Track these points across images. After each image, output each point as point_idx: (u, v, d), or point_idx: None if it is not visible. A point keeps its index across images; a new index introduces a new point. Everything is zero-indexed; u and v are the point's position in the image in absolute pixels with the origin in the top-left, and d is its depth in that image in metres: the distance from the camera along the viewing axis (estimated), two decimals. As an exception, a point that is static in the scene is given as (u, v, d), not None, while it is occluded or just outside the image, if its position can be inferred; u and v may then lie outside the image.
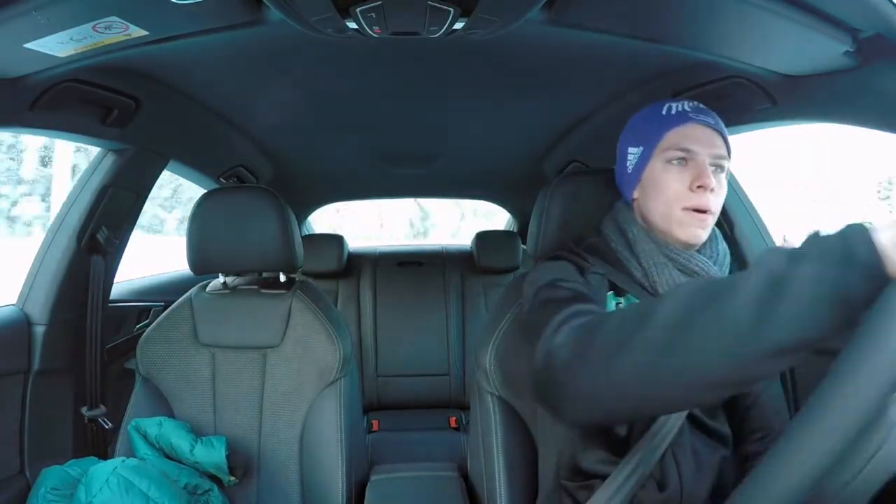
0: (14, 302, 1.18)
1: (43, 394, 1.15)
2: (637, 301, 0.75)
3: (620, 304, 0.76)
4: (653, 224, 0.77)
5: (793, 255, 0.44)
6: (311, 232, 2.62)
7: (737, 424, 0.79)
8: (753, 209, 1.25)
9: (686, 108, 0.76)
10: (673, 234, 0.75)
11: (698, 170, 0.73)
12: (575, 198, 0.93)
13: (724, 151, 0.76)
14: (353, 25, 0.76)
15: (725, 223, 1.24)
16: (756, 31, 0.75)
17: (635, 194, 0.81)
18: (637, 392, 0.50)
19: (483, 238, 2.18)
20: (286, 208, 1.11)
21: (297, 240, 1.13)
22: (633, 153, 0.80)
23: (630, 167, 0.81)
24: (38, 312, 1.16)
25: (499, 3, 0.72)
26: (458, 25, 0.78)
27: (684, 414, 0.71)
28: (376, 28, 0.77)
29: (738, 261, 1.22)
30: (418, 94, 1.25)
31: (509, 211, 2.60)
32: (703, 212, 0.73)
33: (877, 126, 0.80)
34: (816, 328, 0.41)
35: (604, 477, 0.72)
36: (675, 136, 0.75)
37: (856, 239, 0.41)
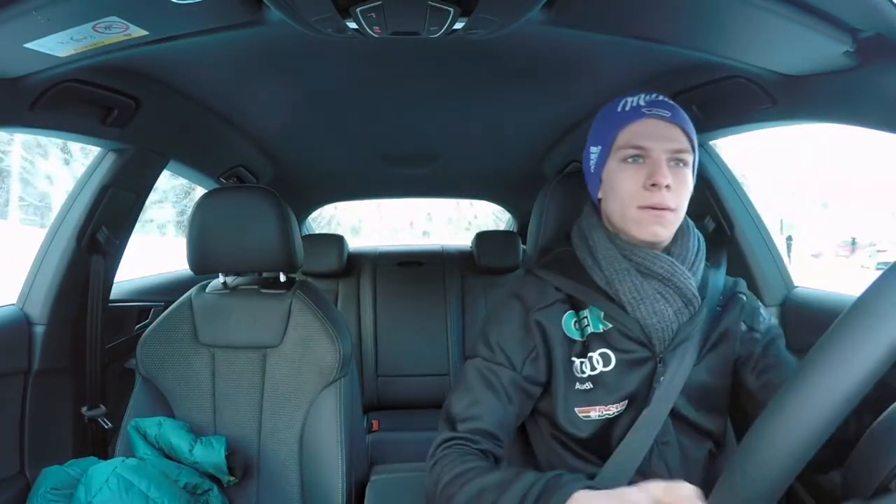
0: (14, 302, 1.19)
1: (43, 394, 1.15)
2: (599, 311, 0.75)
3: (584, 319, 0.75)
4: (615, 225, 0.76)
5: (520, 497, 0.57)
6: (311, 232, 2.62)
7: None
8: (754, 210, 1.25)
9: (641, 102, 0.74)
10: (631, 234, 0.73)
11: (653, 167, 0.71)
12: (575, 198, 0.93)
13: (683, 145, 0.73)
14: (353, 25, 0.76)
15: (725, 224, 1.24)
16: (756, 31, 0.75)
17: (599, 195, 0.79)
18: None
19: (483, 238, 2.18)
20: (286, 208, 1.11)
21: (297, 240, 1.13)
22: (594, 153, 0.78)
23: (592, 167, 0.79)
24: (38, 312, 1.16)
25: (499, 3, 0.72)
26: (458, 25, 0.78)
27: (661, 421, 0.71)
28: (376, 28, 0.77)
29: (738, 261, 1.22)
30: (418, 95, 1.25)
31: (509, 211, 2.60)
32: (661, 209, 0.71)
33: (877, 126, 0.80)
34: None
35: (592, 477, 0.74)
36: (628, 133, 0.73)
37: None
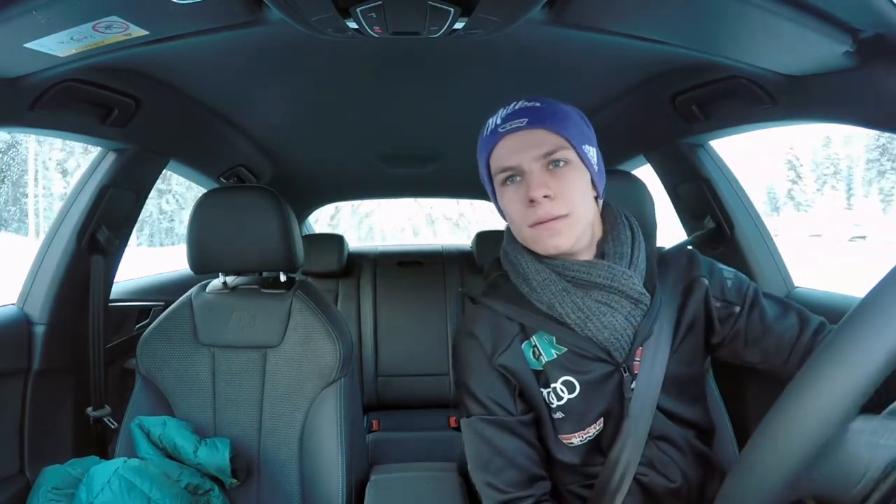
0: (14, 302, 1.18)
1: (43, 394, 1.15)
2: (549, 336, 0.73)
3: (535, 348, 0.73)
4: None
5: None
6: (311, 232, 2.62)
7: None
8: (754, 209, 1.25)
9: (498, 121, 0.71)
10: (538, 252, 0.71)
11: (524, 183, 0.68)
12: None
13: (551, 146, 0.67)
14: (353, 25, 0.76)
15: (725, 224, 1.24)
16: (756, 31, 0.75)
17: (507, 220, 0.76)
18: None
19: (483, 238, 2.18)
20: (286, 208, 1.11)
21: (298, 240, 1.13)
22: (486, 181, 0.76)
23: (491, 195, 0.77)
24: (38, 312, 1.16)
25: (499, 3, 0.72)
26: (459, 25, 0.78)
27: (647, 425, 0.71)
28: (376, 28, 0.77)
29: (738, 261, 1.22)
30: (418, 94, 1.25)
31: None
32: (549, 221, 0.67)
33: (877, 126, 0.80)
34: None
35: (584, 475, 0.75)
36: (495, 157, 0.71)
37: None
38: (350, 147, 1.68)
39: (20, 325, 1.14)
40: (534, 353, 0.74)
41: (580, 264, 0.70)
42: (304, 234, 2.42)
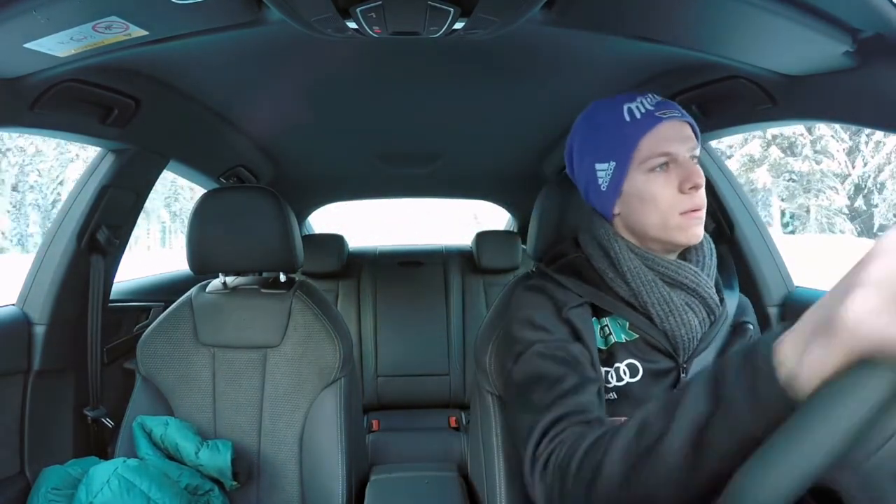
0: (14, 302, 1.18)
1: (43, 394, 1.15)
2: (623, 321, 0.73)
3: (606, 328, 0.73)
4: (646, 235, 0.73)
5: (710, 395, 0.44)
6: (311, 232, 2.62)
7: None
8: (754, 209, 1.25)
9: (649, 106, 0.71)
10: (673, 241, 0.72)
11: (685, 170, 0.70)
12: (575, 197, 0.93)
13: (696, 141, 0.72)
14: (353, 25, 0.76)
15: (725, 224, 1.24)
16: (756, 31, 0.74)
17: (616, 210, 0.75)
18: None
19: (483, 238, 2.18)
20: (286, 208, 1.11)
21: (297, 240, 1.13)
22: (604, 168, 0.74)
23: (604, 184, 0.74)
24: (38, 312, 1.16)
25: (499, 3, 0.72)
26: (458, 25, 0.78)
27: None
28: (376, 28, 0.77)
29: (738, 261, 1.22)
30: (418, 94, 1.25)
31: (509, 211, 2.60)
32: (699, 210, 0.71)
33: (877, 126, 0.80)
34: (743, 460, 0.40)
35: None
36: (649, 142, 0.70)
37: (758, 375, 0.40)
38: (350, 147, 1.68)
39: (20, 325, 1.14)
40: (602, 332, 0.74)
41: (669, 261, 0.72)
42: (304, 234, 2.42)
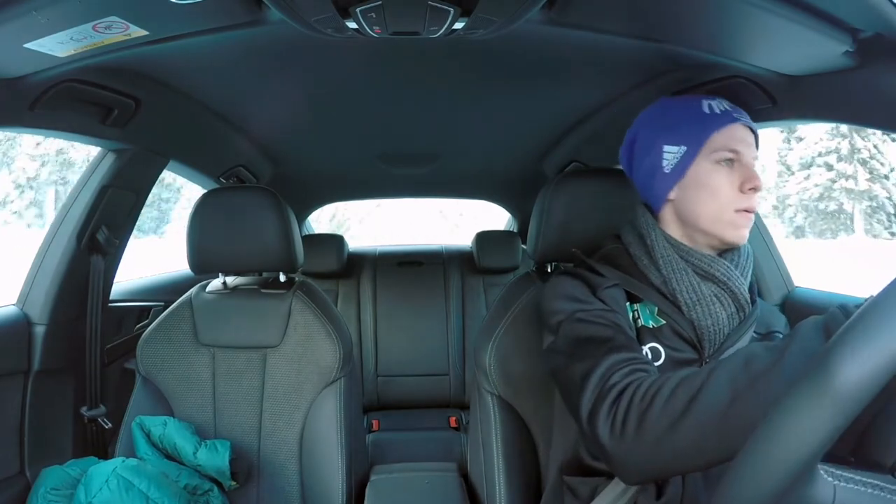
0: (14, 302, 1.18)
1: (43, 394, 1.15)
2: (652, 307, 0.75)
3: (636, 312, 0.76)
4: (696, 225, 0.75)
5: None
6: (311, 232, 2.62)
7: None
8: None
9: (726, 107, 0.76)
10: (721, 236, 0.74)
11: (747, 171, 0.73)
12: (575, 197, 0.93)
13: (757, 151, 0.76)
14: (353, 25, 0.76)
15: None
16: (756, 31, 0.75)
17: (672, 195, 0.77)
18: (692, 458, 0.52)
19: (483, 238, 2.18)
20: (286, 208, 1.11)
21: (297, 240, 1.13)
22: (673, 151, 0.76)
23: (669, 166, 0.76)
24: (38, 312, 1.16)
25: (499, 3, 0.72)
26: (458, 25, 0.78)
27: None
28: (376, 28, 0.77)
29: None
30: (418, 94, 1.25)
31: (509, 211, 2.60)
32: (752, 212, 0.73)
33: (877, 126, 0.80)
34: None
35: (602, 473, 0.74)
36: (722, 136, 0.73)
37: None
38: (350, 147, 1.68)
39: (20, 325, 1.14)
40: (632, 316, 0.76)
41: (703, 255, 0.74)
42: (304, 235, 2.42)
